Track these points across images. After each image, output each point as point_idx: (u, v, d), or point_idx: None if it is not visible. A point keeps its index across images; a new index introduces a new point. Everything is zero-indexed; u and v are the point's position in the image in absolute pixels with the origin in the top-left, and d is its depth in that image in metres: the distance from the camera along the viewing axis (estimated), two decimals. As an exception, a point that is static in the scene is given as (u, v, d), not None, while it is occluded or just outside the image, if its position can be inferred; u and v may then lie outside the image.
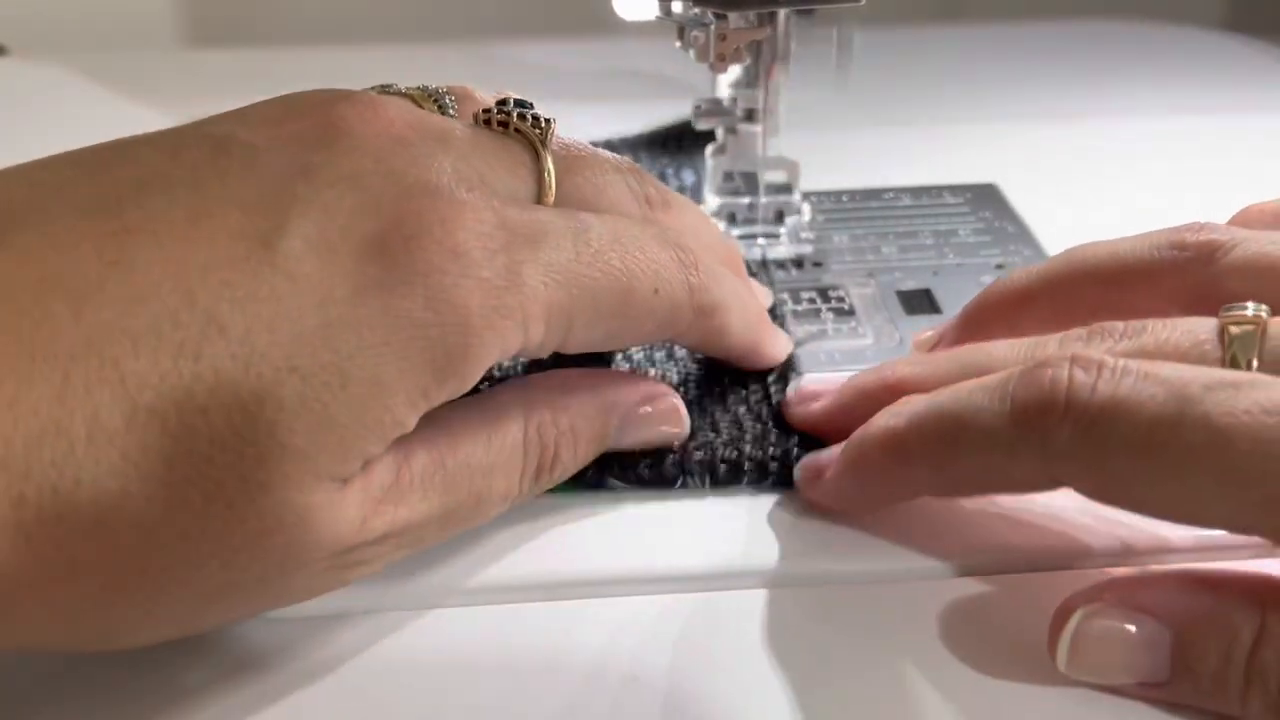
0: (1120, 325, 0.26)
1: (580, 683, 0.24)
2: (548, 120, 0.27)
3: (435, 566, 0.26)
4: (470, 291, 0.22)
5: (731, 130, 0.39)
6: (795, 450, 0.29)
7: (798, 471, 0.29)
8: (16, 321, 0.19)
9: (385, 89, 0.27)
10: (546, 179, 0.26)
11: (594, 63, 0.58)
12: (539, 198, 0.26)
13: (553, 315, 0.24)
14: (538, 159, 0.26)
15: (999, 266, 0.39)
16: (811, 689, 0.24)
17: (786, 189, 0.40)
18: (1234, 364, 0.24)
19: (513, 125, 0.26)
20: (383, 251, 0.22)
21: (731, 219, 0.40)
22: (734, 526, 0.28)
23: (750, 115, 0.38)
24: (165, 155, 0.22)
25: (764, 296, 0.34)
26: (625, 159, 0.29)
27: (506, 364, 0.31)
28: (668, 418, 0.29)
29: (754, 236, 0.40)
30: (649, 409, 0.28)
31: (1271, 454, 0.20)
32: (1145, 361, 0.22)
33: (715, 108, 0.38)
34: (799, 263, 0.39)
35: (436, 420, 0.24)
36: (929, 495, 0.27)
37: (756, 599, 0.26)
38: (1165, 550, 0.27)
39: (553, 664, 0.24)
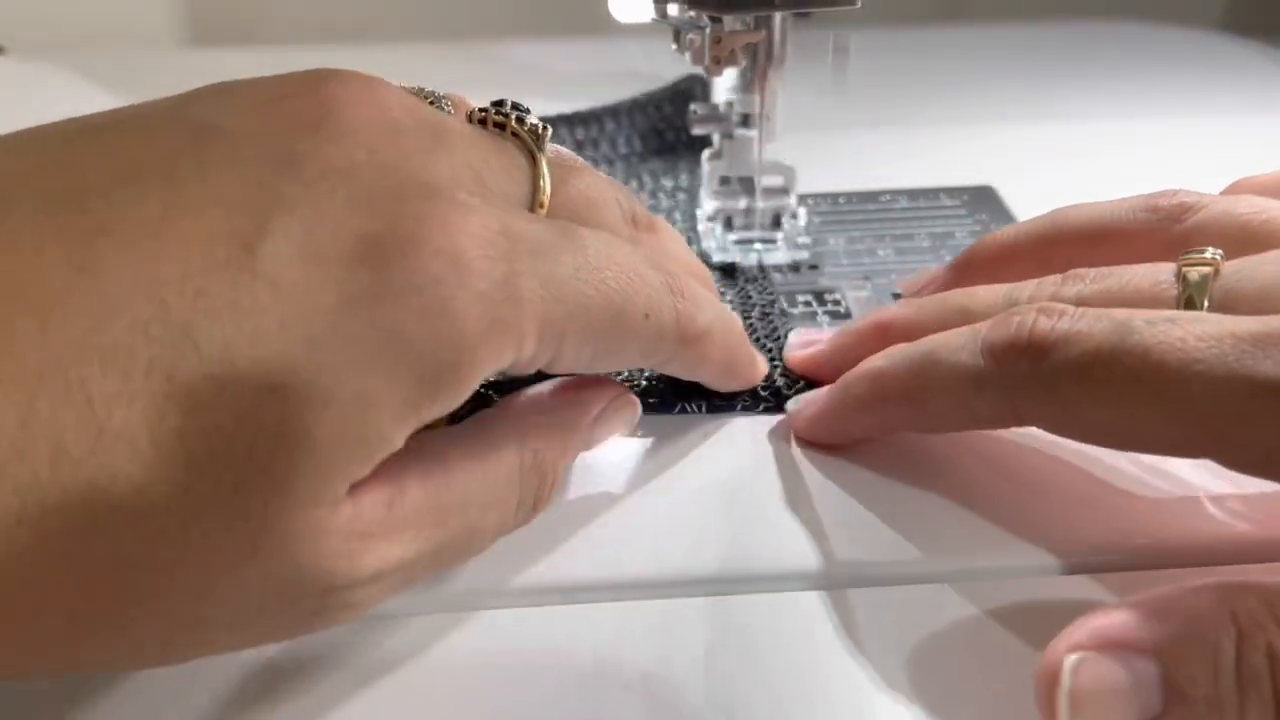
0: (1091, 271, 0.28)
1: (580, 690, 0.24)
2: (545, 126, 0.26)
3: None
4: (467, 305, 0.21)
5: (727, 135, 0.39)
6: (779, 379, 0.32)
7: (789, 406, 0.31)
8: None
9: None
10: (542, 185, 0.25)
11: (590, 64, 0.58)
12: (532, 203, 0.25)
13: (546, 330, 0.23)
14: (534, 164, 0.25)
15: (995, 270, 0.39)
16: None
17: (783, 192, 0.40)
18: (1189, 304, 0.26)
19: (510, 127, 0.26)
20: (376, 254, 0.20)
21: (728, 224, 0.40)
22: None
23: (746, 120, 0.38)
24: (139, 142, 0.21)
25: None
26: (613, 179, 0.29)
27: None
28: (627, 415, 0.29)
29: (750, 241, 0.40)
30: (614, 409, 0.29)
31: (1201, 376, 0.22)
32: (1106, 309, 0.24)
33: (711, 113, 0.38)
34: (795, 266, 0.39)
35: (431, 450, 0.23)
36: (906, 430, 0.29)
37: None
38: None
39: (550, 669, 0.25)
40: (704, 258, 0.39)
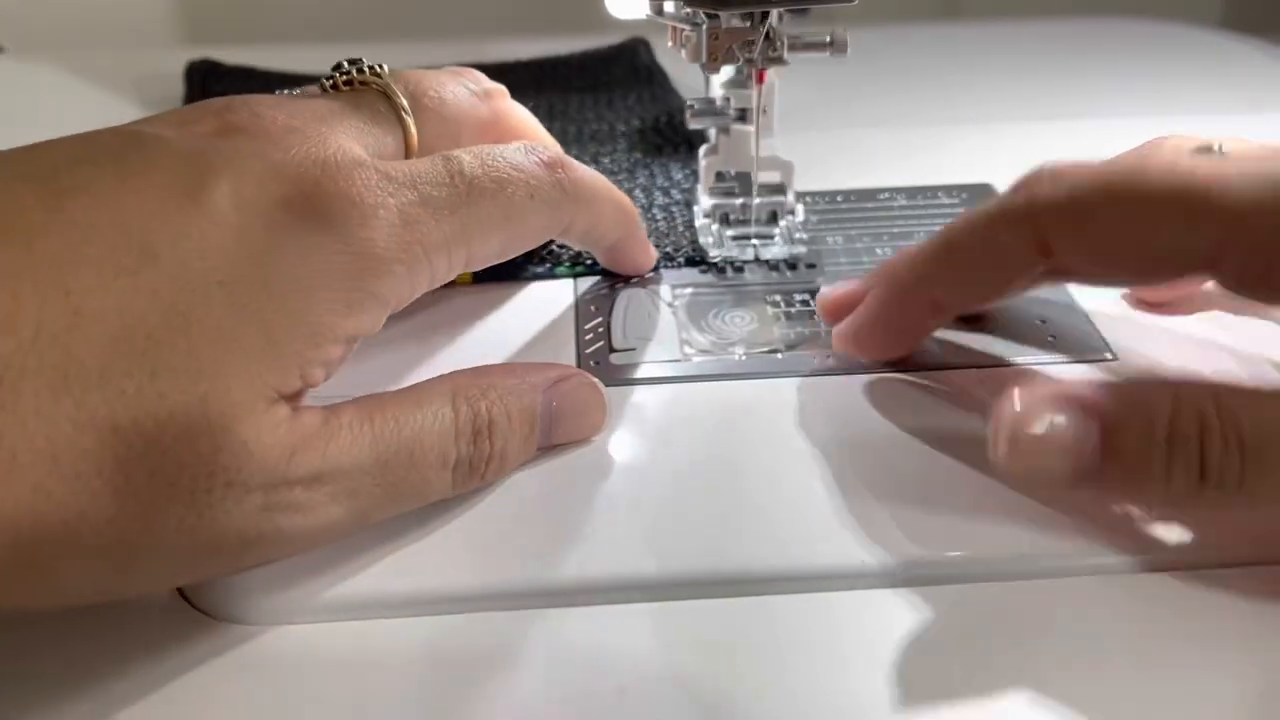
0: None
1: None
2: (381, 65, 0.31)
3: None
4: (374, 228, 0.26)
5: (724, 130, 0.39)
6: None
7: (835, 331, 0.33)
8: None
9: None
10: (405, 118, 0.30)
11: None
12: (404, 134, 0.30)
13: (451, 244, 0.27)
14: (390, 101, 0.30)
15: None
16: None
17: (780, 189, 0.40)
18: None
19: (357, 81, 0.30)
20: (291, 206, 0.25)
21: (725, 219, 0.40)
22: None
23: (743, 115, 0.38)
24: (84, 143, 0.25)
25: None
26: (456, 67, 0.33)
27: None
28: (586, 394, 0.30)
29: (747, 237, 0.40)
30: (567, 383, 0.30)
31: (1225, 179, 0.25)
32: None
33: (708, 108, 0.38)
34: (792, 264, 0.39)
35: (366, 397, 0.26)
36: (942, 311, 0.31)
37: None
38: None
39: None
40: (702, 252, 0.39)
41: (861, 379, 0.33)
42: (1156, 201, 0.26)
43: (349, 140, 0.28)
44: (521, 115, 0.34)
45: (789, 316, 0.36)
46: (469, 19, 0.66)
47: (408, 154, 0.30)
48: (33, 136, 0.25)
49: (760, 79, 0.37)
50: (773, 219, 0.40)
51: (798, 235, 0.40)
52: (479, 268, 0.30)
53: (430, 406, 0.26)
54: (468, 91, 0.32)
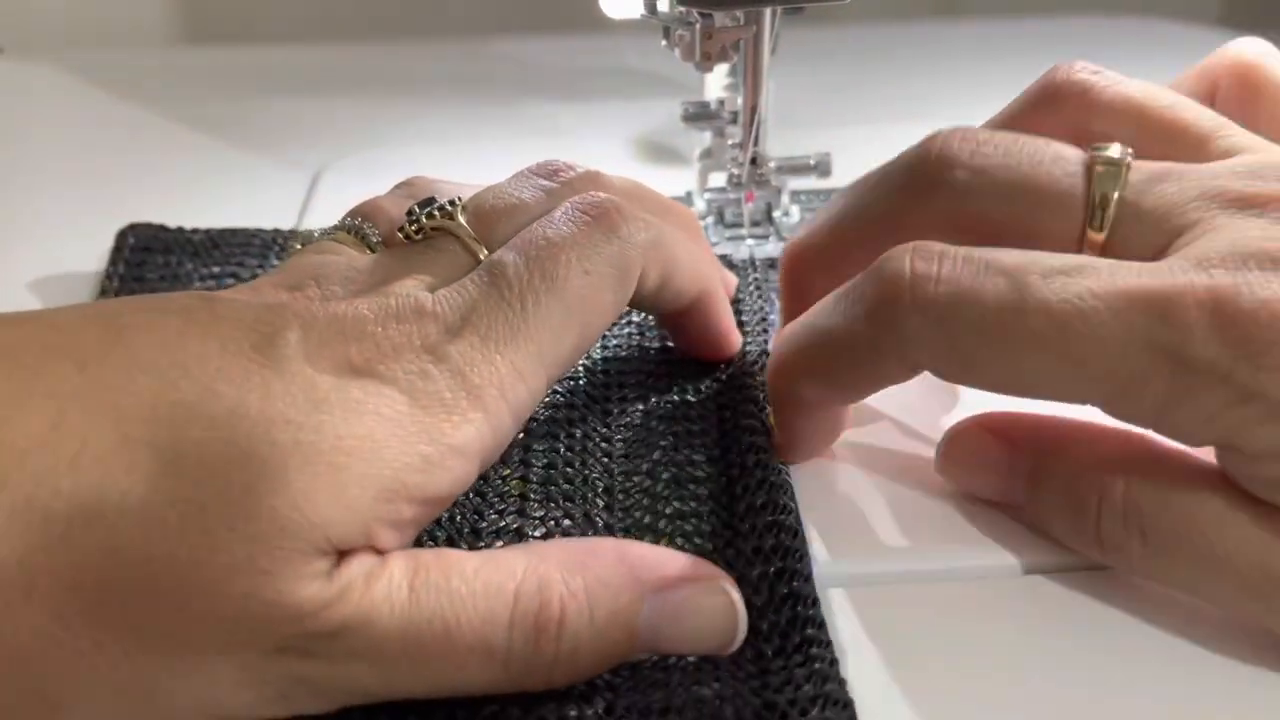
0: (997, 137, 0.28)
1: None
2: (452, 203, 0.28)
3: None
4: (439, 382, 0.24)
5: (719, 133, 0.39)
6: None
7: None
8: (17, 372, 0.21)
9: (309, 237, 0.29)
10: (473, 245, 0.27)
11: (581, 60, 0.58)
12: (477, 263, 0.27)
13: (523, 371, 0.25)
14: (458, 241, 0.27)
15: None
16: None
17: (774, 189, 0.40)
18: (1096, 204, 0.26)
19: (426, 229, 0.28)
20: (354, 367, 0.23)
21: (720, 218, 0.40)
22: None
23: (737, 117, 0.38)
24: (154, 297, 0.24)
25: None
26: (522, 172, 0.30)
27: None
28: (713, 604, 0.24)
29: (742, 237, 0.40)
30: (688, 588, 0.24)
31: (1103, 339, 0.23)
32: (986, 250, 0.25)
33: (702, 111, 0.38)
34: (787, 263, 0.39)
35: (431, 550, 0.24)
36: (831, 406, 0.29)
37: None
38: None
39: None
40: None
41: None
42: (1043, 351, 0.24)
43: (415, 285, 0.26)
44: (612, 187, 0.30)
45: (783, 316, 0.36)
46: (465, 18, 0.66)
47: None
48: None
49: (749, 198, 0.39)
50: (767, 218, 0.40)
51: (791, 233, 0.40)
52: (564, 375, 0.28)
53: (491, 579, 0.23)
54: (538, 187, 0.29)
